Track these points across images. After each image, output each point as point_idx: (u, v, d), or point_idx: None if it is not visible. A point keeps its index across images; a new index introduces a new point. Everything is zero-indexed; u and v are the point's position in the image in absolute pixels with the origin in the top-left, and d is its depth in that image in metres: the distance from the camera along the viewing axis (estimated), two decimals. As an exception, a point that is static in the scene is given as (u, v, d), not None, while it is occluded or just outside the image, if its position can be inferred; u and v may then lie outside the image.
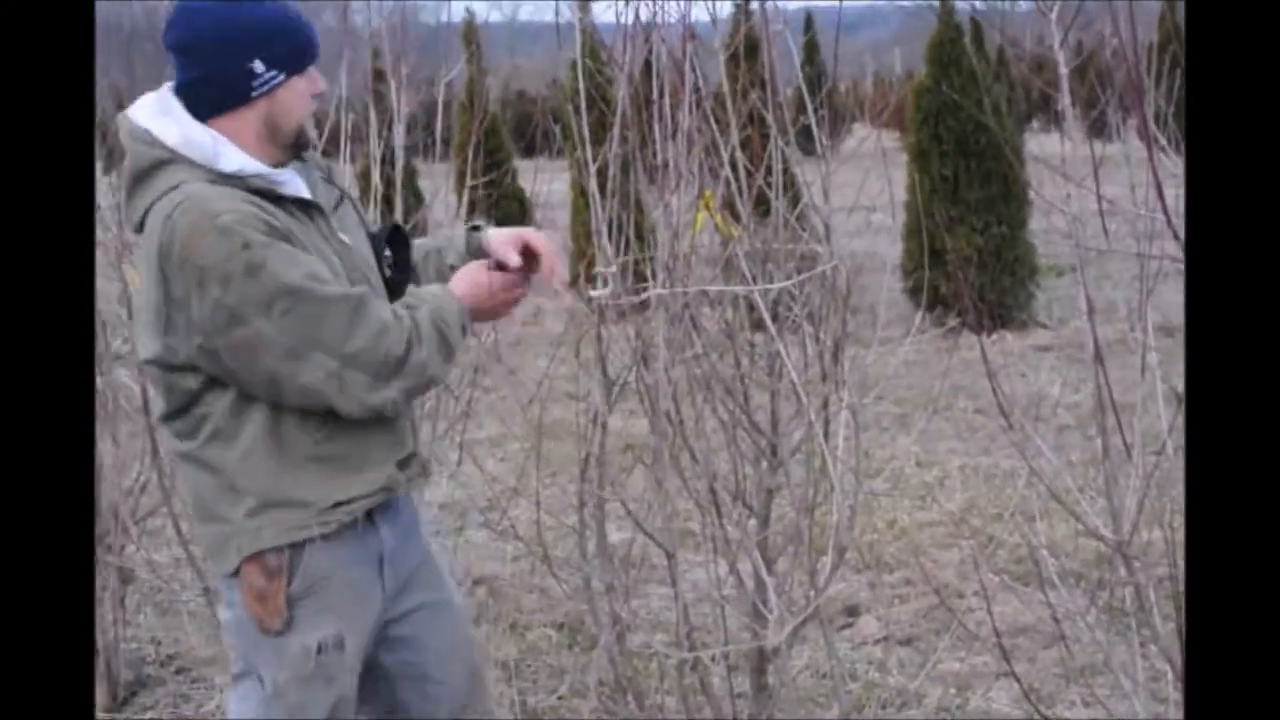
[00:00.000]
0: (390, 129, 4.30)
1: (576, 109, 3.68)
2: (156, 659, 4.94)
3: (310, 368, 2.59)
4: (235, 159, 2.67)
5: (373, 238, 2.92)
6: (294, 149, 2.78)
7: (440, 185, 5.41)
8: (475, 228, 3.15)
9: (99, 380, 4.24)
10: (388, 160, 4.28)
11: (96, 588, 4.52)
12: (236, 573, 2.70)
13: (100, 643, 4.50)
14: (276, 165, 2.74)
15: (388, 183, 4.31)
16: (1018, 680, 3.81)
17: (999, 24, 26.05)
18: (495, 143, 12.85)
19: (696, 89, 3.55)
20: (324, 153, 4.23)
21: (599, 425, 3.73)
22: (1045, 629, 4.56)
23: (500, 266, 2.99)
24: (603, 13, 4.11)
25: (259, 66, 2.68)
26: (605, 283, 3.71)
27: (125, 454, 4.38)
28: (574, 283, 3.37)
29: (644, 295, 3.66)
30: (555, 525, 3.98)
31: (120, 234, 4.13)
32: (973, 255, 10.29)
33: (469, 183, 4.63)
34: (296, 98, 2.74)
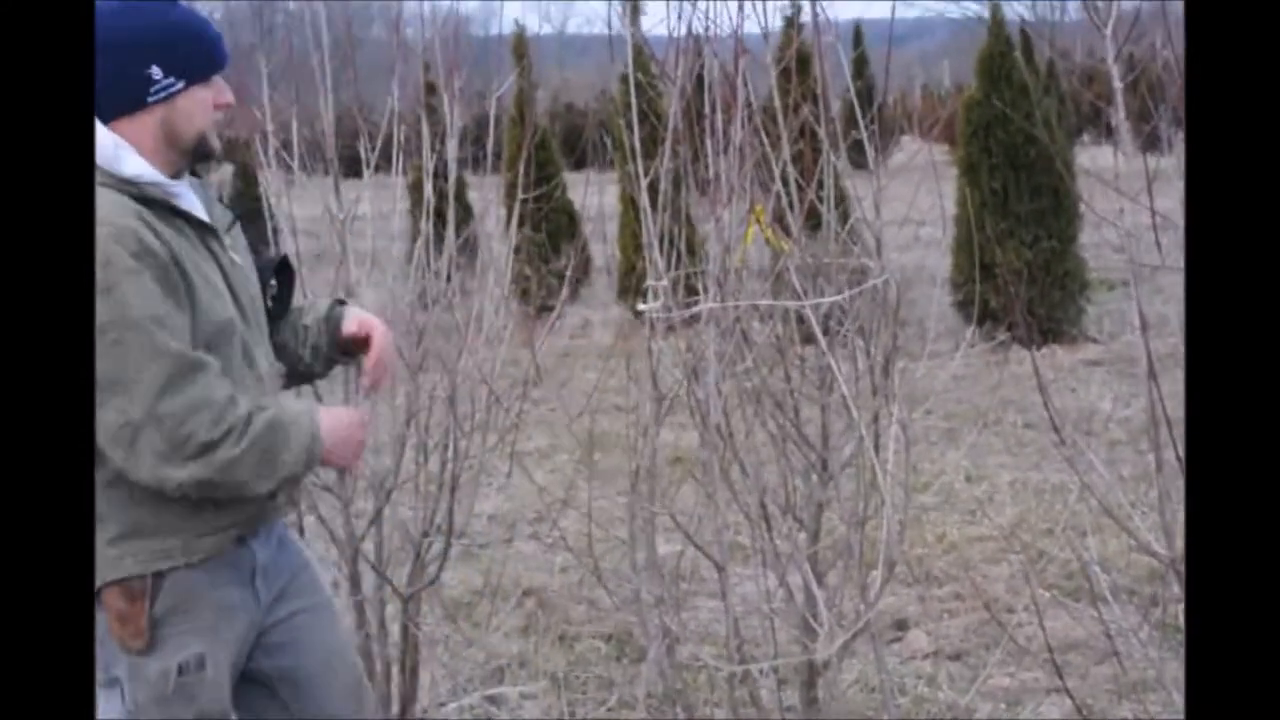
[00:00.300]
0: (442, 142, 4.33)
1: (628, 123, 3.70)
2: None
3: (112, 409, 2.51)
4: (134, 165, 2.63)
5: (261, 269, 2.91)
6: (195, 158, 2.75)
7: (490, 199, 5.44)
8: (340, 302, 3.13)
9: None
10: (440, 173, 4.31)
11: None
12: (97, 594, 2.65)
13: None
14: (174, 174, 2.71)
15: (440, 195, 4.34)
16: (1070, 696, 3.80)
17: (1049, 36, 25.94)
18: (544, 155, 12.89)
19: (748, 103, 3.57)
20: (376, 167, 4.28)
21: (649, 438, 3.74)
22: (1097, 645, 4.53)
23: (354, 344, 3.04)
24: (653, 25, 4.12)
25: (157, 72, 2.64)
26: (656, 296, 3.73)
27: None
28: (623, 296, 3.36)
29: (695, 309, 3.68)
30: (604, 537, 3.99)
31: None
32: (1022, 269, 10.24)
33: (519, 196, 4.65)
34: (197, 106, 2.70)
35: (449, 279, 4.27)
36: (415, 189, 4.39)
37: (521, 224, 4.67)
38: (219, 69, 2.74)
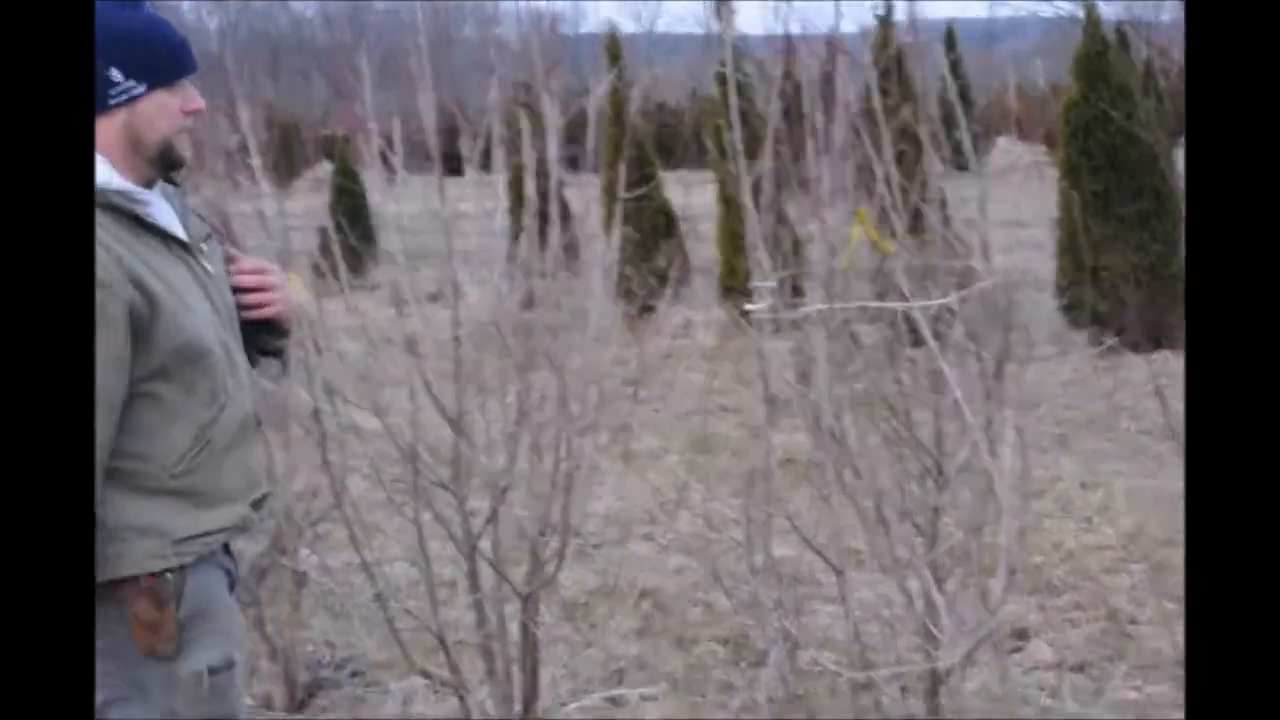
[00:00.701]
0: (542, 140, 4.31)
1: (729, 123, 3.66)
2: (331, 662, 5.00)
3: None
4: (100, 174, 2.59)
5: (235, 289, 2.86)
6: (162, 166, 2.69)
7: (590, 197, 5.42)
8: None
9: (269, 387, 4.29)
10: (541, 172, 4.29)
11: (270, 590, 4.59)
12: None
13: (277, 644, 4.56)
14: (145, 183, 2.67)
15: (542, 194, 4.32)
16: (1200, 711, 3.69)
17: (1145, 34, 25.54)
18: (640, 154, 12.87)
19: (847, 104, 3.52)
20: (482, 165, 4.26)
21: (762, 440, 3.70)
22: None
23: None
24: (747, 24, 4.08)
25: (116, 75, 2.59)
26: (763, 297, 3.69)
27: (296, 459, 4.43)
28: (724, 296, 3.31)
29: (803, 311, 3.63)
30: (717, 539, 3.95)
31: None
32: (1129, 273, 10.07)
33: (621, 195, 4.61)
34: (160, 111, 2.63)
35: (549, 277, 4.25)
36: (514, 187, 4.36)
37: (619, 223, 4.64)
38: (185, 74, 2.68)
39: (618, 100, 12.11)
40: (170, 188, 2.75)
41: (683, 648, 4.94)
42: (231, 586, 2.79)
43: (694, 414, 4.16)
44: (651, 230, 12.08)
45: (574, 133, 4.43)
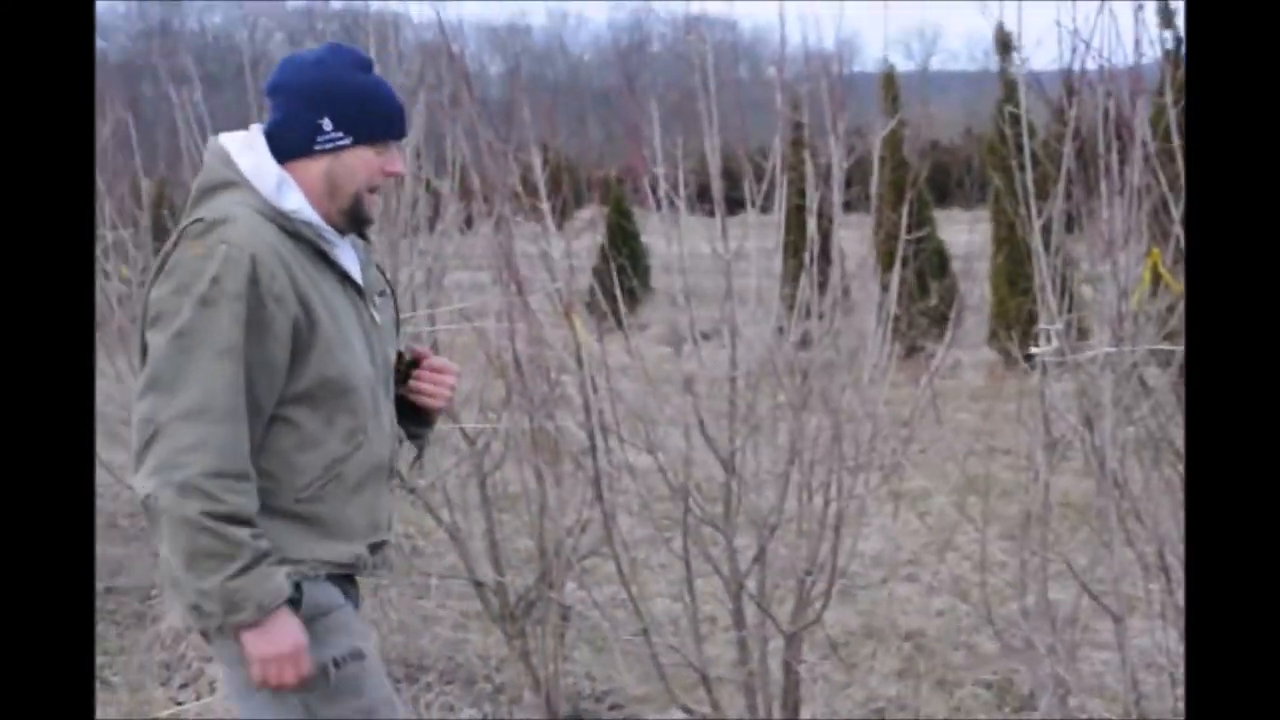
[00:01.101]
0: (825, 182, 4.31)
1: (1020, 164, 3.62)
2: (592, 694, 5.09)
3: (148, 401, 2.61)
4: (295, 201, 2.76)
5: (399, 355, 3.00)
6: (351, 219, 2.84)
7: (865, 238, 5.39)
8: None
9: (533, 422, 4.41)
10: (822, 213, 4.30)
11: (535, 623, 4.69)
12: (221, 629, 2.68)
13: (540, 675, 4.66)
14: (335, 230, 2.83)
15: (821, 235, 4.33)
16: None
17: None
18: (915, 194, 12.76)
19: (1143, 142, 3.43)
20: (754, 205, 4.28)
21: (1040, 482, 3.63)
22: None
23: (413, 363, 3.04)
24: (1027, 62, 4.01)
25: (327, 124, 2.78)
26: (1049, 340, 3.63)
27: (567, 494, 4.52)
28: (994, 337, 3.26)
29: (1091, 354, 3.55)
30: (986, 581, 3.89)
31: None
32: None
33: (899, 236, 4.59)
34: (361, 165, 2.81)
35: (826, 318, 4.26)
36: (790, 228, 4.37)
37: (890, 264, 4.62)
38: (393, 138, 2.87)
39: (895, 140, 12.05)
40: (360, 241, 2.93)
41: (945, 690, 4.89)
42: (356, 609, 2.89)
43: (964, 455, 4.10)
44: (923, 270, 11.96)
45: (853, 173, 4.43)
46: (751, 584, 4.15)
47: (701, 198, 4.36)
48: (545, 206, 4.27)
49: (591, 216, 9.40)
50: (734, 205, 4.35)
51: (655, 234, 4.34)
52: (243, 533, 2.58)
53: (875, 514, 4.91)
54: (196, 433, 2.56)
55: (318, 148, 2.79)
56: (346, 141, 2.80)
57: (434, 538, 6.07)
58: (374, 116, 2.83)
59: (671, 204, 4.25)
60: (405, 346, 3.08)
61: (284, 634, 2.65)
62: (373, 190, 2.85)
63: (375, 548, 2.87)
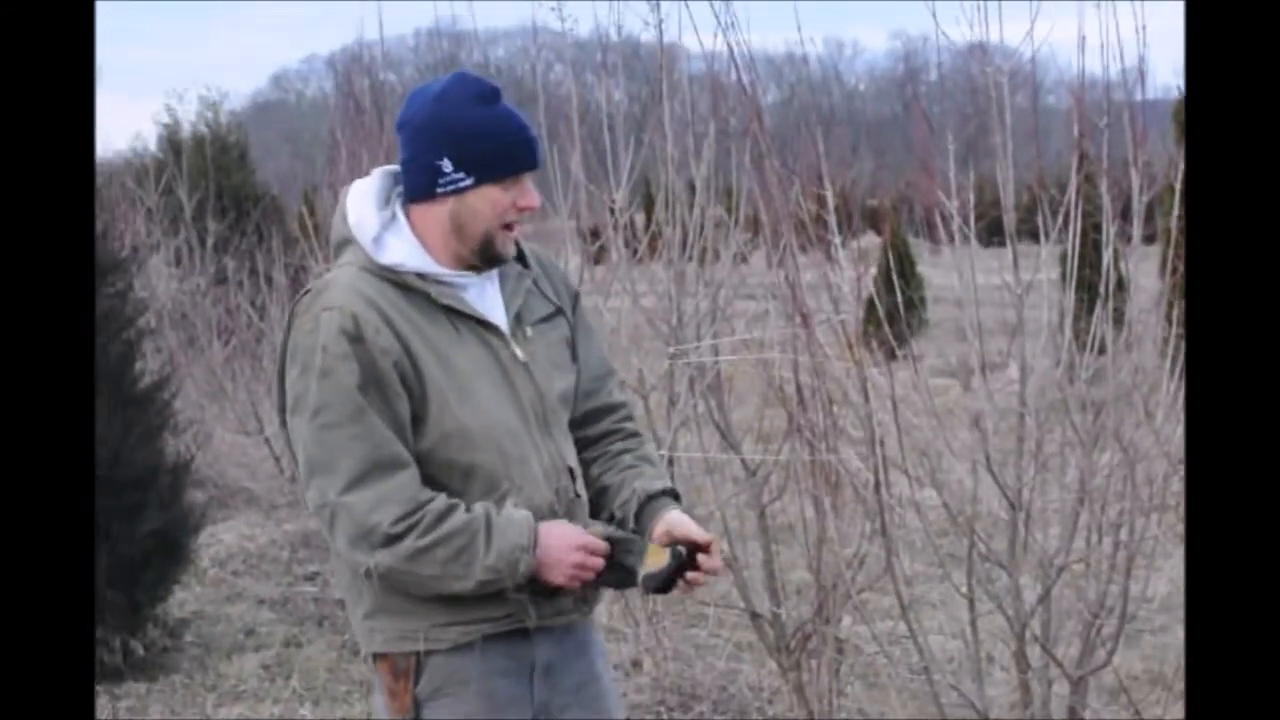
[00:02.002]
0: (1122, 215, 4.21)
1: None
2: (862, 731, 5.02)
3: (314, 488, 2.57)
4: (398, 252, 2.63)
5: (674, 550, 2.65)
6: (483, 259, 2.68)
7: (1140, 268, 5.22)
8: (674, 496, 2.80)
9: (814, 452, 4.39)
10: (1099, 245, 4.19)
11: (811, 655, 4.67)
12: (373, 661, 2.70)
13: (815, 709, 4.63)
14: (466, 268, 2.67)
15: (1094, 267, 4.22)
16: None
17: None
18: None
19: None
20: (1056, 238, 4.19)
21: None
22: None
23: (691, 551, 2.66)
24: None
25: (447, 165, 2.62)
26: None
27: (846, 526, 4.49)
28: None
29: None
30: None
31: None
32: None
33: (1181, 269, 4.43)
34: (487, 205, 2.63)
35: (1118, 353, 4.14)
36: (1064, 259, 4.26)
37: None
38: (521, 171, 2.67)
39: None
40: (515, 267, 2.77)
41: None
42: (531, 672, 2.70)
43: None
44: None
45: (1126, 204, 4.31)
46: (1035, 624, 4.05)
47: (989, 229, 4.29)
48: (836, 240, 4.26)
49: (866, 246, 9.35)
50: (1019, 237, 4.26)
51: (931, 265, 4.28)
52: (455, 518, 2.56)
53: (1167, 555, 4.73)
54: (366, 496, 2.54)
55: (440, 190, 2.64)
56: (468, 182, 2.63)
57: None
58: (496, 154, 2.64)
59: (964, 236, 4.18)
60: (678, 525, 2.69)
61: (558, 550, 2.60)
62: (507, 227, 2.68)
63: (547, 595, 2.67)
